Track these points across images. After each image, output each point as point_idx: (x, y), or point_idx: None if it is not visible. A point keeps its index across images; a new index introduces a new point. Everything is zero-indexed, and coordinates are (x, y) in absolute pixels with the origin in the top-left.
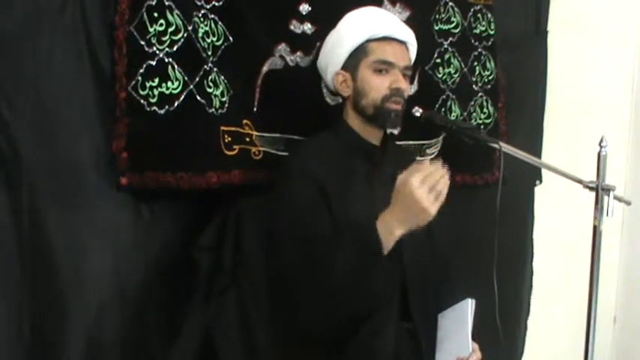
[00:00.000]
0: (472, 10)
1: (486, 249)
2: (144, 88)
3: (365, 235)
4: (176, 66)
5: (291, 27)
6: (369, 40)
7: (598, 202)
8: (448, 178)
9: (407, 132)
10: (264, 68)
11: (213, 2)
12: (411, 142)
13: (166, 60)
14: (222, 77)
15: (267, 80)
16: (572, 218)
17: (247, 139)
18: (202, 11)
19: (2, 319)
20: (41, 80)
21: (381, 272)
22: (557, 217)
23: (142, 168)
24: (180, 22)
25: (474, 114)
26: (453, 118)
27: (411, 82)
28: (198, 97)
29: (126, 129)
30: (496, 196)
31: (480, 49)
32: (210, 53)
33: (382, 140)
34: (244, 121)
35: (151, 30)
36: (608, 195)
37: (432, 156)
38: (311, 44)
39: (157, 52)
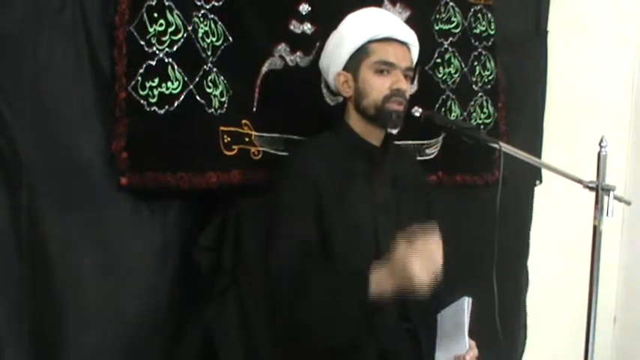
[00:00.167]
0: (472, 10)
1: (486, 249)
2: (144, 88)
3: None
4: (176, 66)
5: (291, 27)
6: (370, 41)
7: (598, 202)
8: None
9: (407, 132)
10: (264, 68)
11: (213, 2)
12: (410, 142)
13: (166, 60)
14: (222, 77)
15: (266, 80)
16: (572, 218)
17: (246, 139)
18: (202, 11)
19: (2, 319)
20: (41, 80)
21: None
22: (557, 217)
23: (141, 168)
24: (180, 22)
25: (474, 114)
26: (453, 118)
27: (412, 82)
28: (198, 98)
29: (126, 129)
30: (496, 196)
31: (480, 49)
32: (209, 53)
33: (383, 141)
34: (243, 121)
35: (151, 30)
36: (608, 195)
37: (432, 156)
38: (311, 44)
39: (157, 52)
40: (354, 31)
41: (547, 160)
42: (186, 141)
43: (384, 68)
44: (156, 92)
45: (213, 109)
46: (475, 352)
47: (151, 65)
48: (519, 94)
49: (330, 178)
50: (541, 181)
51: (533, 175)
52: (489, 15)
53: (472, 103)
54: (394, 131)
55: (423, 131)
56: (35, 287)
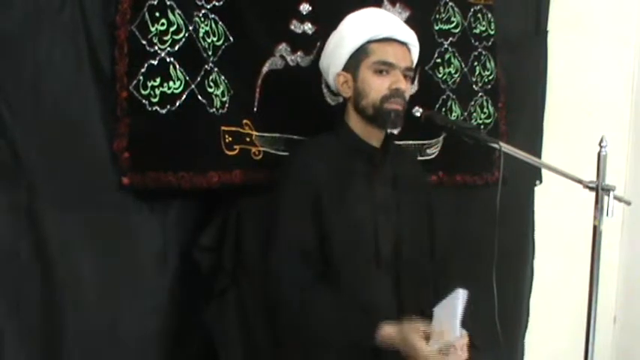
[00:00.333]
0: (472, 10)
1: (486, 249)
2: (145, 87)
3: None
4: (177, 66)
5: (292, 27)
6: (369, 41)
7: (598, 202)
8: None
9: (407, 132)
10: (265, 68)
11: (214, 2)
12: (411, 142)
13: (168, 60)
14: (223, 77)
15: (267, 80)
16: (572, 218)
17: (247, 139)
18: (203, 11)
19: (2, 319)
20: (41, 80)
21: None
22: (557, 217)
23: (143, 168)
24: (182, 22)
25: (474, 114)
26: (453, 118)
27: (412, 83)
28: (200, 97)
29: (127, 129)
30: (496, 196)
31: (480, 49)
32: (210, 53)
33: (383, 141)
34: (244, 121)
35: (153, 29)
36: (608, 195)
37: (433, 156)
38: (311, 44)
39: (159, 51)
40: (353, 31)
41: (547, 160)
42: (188, 141)
43: (383, 68)
44: (157, 92)
45: (214, 109)
46: (466, 340)
47: (153, 65)
48: (519, 94)
49: (330, 179)
50: (541, 181)
51: (533, 175)
52: (489, 15)
53: (472, 103)
54: (395, 131)
55: (423, 131)
56: (35, 287)
